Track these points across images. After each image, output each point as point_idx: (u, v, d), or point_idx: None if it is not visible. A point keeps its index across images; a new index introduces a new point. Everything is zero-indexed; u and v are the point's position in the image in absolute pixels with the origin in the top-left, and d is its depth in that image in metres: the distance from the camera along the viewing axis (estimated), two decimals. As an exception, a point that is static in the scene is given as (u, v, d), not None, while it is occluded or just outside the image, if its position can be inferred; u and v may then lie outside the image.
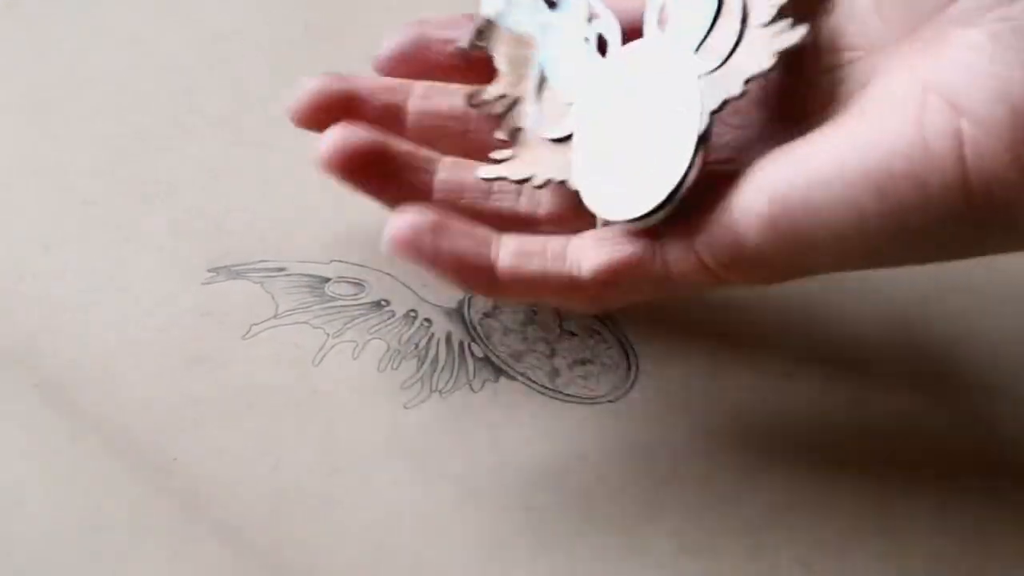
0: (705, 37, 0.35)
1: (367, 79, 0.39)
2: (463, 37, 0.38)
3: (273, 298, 0.39)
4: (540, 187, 0.36)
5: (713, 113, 0.34)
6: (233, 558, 0.34)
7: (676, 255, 0.33)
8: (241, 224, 0.41)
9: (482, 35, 0.38)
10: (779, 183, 0.32)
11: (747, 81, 0.34)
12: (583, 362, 0.38)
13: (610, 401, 0.37)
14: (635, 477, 0.36)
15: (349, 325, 0.39)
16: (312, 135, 0.44)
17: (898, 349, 0.39)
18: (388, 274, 0.40)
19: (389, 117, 0.38)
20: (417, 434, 0.36)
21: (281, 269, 0.40)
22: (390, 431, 0.36)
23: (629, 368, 0.38)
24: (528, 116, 0.37)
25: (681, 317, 0.39)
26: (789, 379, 0.38)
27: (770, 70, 0.34)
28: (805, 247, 0.32)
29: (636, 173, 0.34)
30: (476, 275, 0.34)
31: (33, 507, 0.34)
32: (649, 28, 0.36)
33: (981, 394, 0.38)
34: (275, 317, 0.39)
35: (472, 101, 0.38)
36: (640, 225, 0.34)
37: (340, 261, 0.40)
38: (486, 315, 0.39)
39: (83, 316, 0.39)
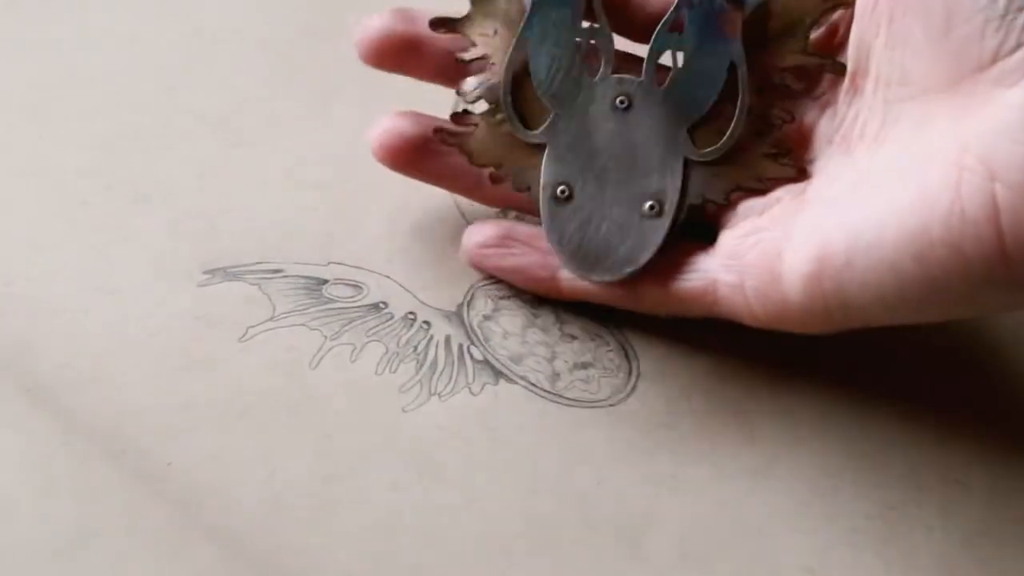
0: (702, 120, 0.36)
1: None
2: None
3: (270, 300, 0.39)
4: (496, 181, 0.37)
5: (692, 206, 0.36)
6: (228, 564, 0.34)
7: (728, 295, 0.36)
8: (237, 225, 0.41)
9: None
10: (824, 244, 0.33)
11: (732, 192, 0.36)
12: (584, 365, 0.38)
13: (611, 405, 0.37)
14: (636, 482, 0.36)
15: (347, 327, 0.39)
16: (308, 135, 0.44)
17: (904, 350, 0.39)
18: (386, 276, 0.40)
19: (448, 63, 0.39)
20: (416, 438, 0.36)
21: (278, 271, 0.40)
22: (388, 435, 0.36)
23: (630, 372, 0.38)
24: (501, 102, 0.37)
25: (682, 321, 0.39)
26: (792, 383, 0.38)
27: (758, 191, 0.36)
28: (847, 305, 0.34)
29: (602, 236, 0.37)
30: (539, 285, 0.39)
31: (25, 513, 0.34)
32: (647, 75, 0.37)
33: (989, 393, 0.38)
34: (272, 319, 0.39)
35: (439, 25, 0.37)
36: (594, 280, 0.38)
37: (338, 263, 0.40)
38: (486, 318, 0.39)
39: (76, 319, 0.39)
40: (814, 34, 0.36)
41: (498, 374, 0.38)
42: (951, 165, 0.32)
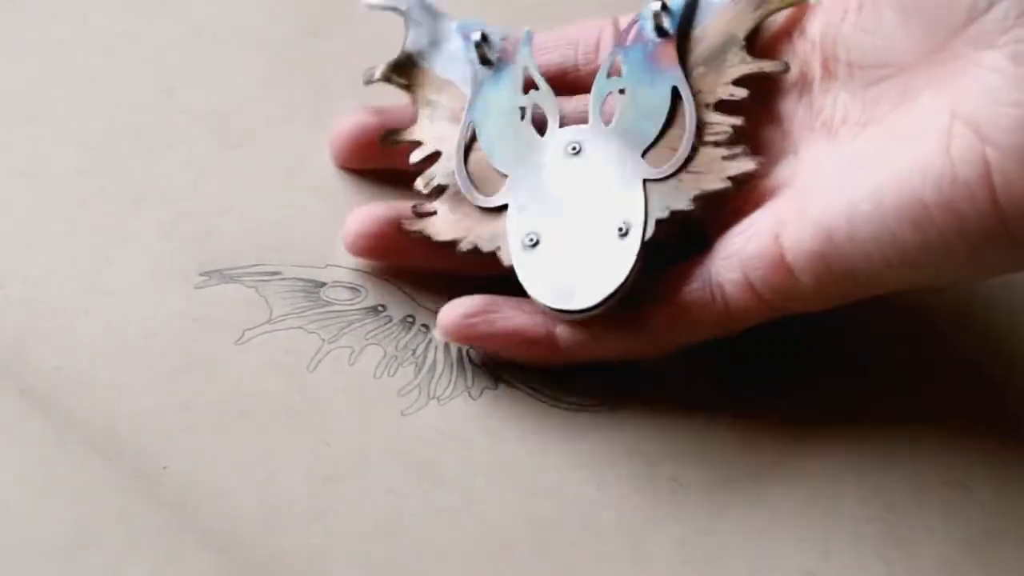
0: (654, 143, 0.37)
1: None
2: (374, 72, 0.38)
3: (267, 303, 0.39)
4: (464, 252, 0.37)
5: (659, 222, 0.36)
6: (225, 568, 0.34)
7: (735, 293, 0.36)
8: (234, 227, 0.41)
9: (400, 69, 0.38)
10: (823, 222, 0.34)
11: (696, 198, 0.36)
12: (584, 368, 0.39)
13: (611, 409, 0.38)
14: (636, 485, 0.36)
15: (345, 330, 0.39)
16: (307, 136, 0.44)
17: (905, 351, 0.39)
18: (385, 279, 0.40)
19: None
20: (415, 442, 0.37)
21: (275, 273, 0.40)
22: (387, 439, 0.37)
23: (631, 375, 0.38)
24: (457, 180, 0.37)
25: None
26: (793, 386, 0.38)
27: (722, 192, 0.36)
28: (855, 277, 0.34)
29: (576, 266, 0.36)
30: (536, 345, 0.37)
31: (20, 516, 0.34)
32: (593, 118, 0.38)
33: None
34: (269, 322, 0.39)
35: (388, 139, 0.38)
36: (569, 318, 0.37)
37: (336, 265, 0.40)
38: (485, 320, 0.40)
39: (71, 321, 0.39)
40: (773, 24, 0.38)
41: (498, 378, 0.38)
42: (940, 132, 0.33)
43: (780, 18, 0.39)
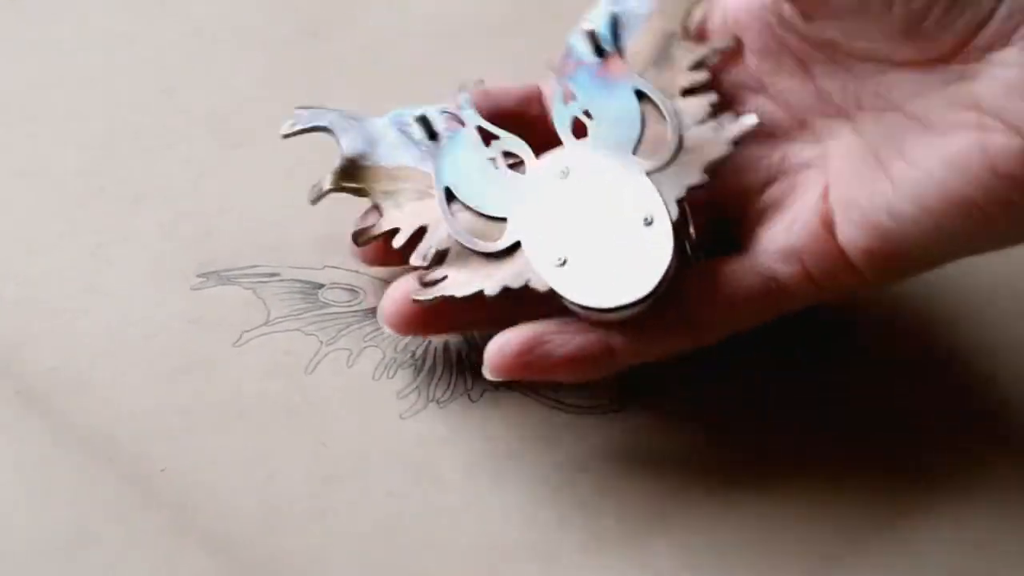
0: (639, 143, 0.38)
1: None
2: (324, 179, 0.38)
3: (265, 304, 0.40)
4: (494, 297, 0.37)
5: (679, 201, 0.37)
6: (224, 569, 0.34)
7: (792, 283, 0.36)
8: (232, 228, 0.41)
9: (347, 175, 0.38)
10: (872, 219, 0.35)
11: (706, 169, 0.37)
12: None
13: (614, 411, 0.38)
14: (638, 489, 0.36)
15: (343, 332, 0.39)
16: (307, 137, 0.44)
17: (915, 358, 0.40)
18: (383, 280, 0.40)
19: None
20: (414, 445, 0.37)
21: (273, 274, 0.40)
22: (386, 441, 0.37)
23: (634, 377, 0.38)
24: (456, 239, 0.37)
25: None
26: (801, 392, 0.39)
27: (728, 156, 0.37)
28: (916, 261, 0.36)
29: (616, 264, 0.36)
30: (597, 362, 0.36)
31: (16, 518, 0.35)
32: (567, 138, 0.38)
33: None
34: (267, 324, 0.39)
35: (360, 239, 0.38)
36: (628, 314, 0.36)
37: (334, 267, 0.41)
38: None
39: (69, 321, 0.39)
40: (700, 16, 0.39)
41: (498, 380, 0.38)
42: (971, 129, 0.33)
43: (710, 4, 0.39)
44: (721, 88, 0.39)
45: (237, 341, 0.39)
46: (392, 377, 0.38)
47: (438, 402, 0.38)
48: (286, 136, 0.39)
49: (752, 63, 0.38)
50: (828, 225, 0.36)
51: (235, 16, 0.49)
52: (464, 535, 0.35)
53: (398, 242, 0.37)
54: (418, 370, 0.39)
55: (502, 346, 0.36)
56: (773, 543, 0.35)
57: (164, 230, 0.41)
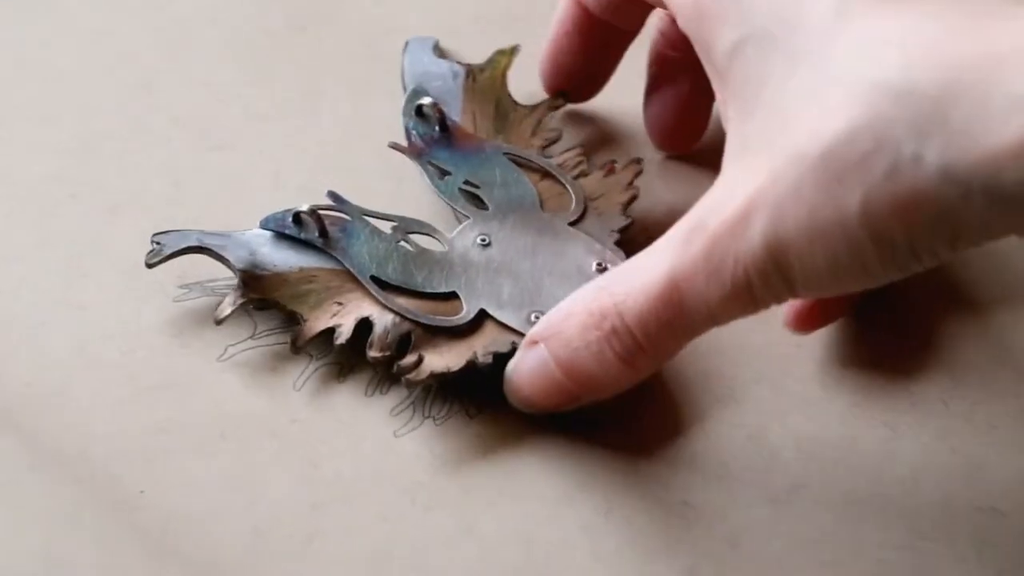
0: (541, 198, 0.42)
1: None
2: (224, 308, 0.39)
3: (251, 317, 0.40)
4: (485, 366, 0.38)
5: (617, 243, 0.41)
6: (207, 599, 0.35)
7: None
8: (214, 235, 0.42)
9: (249, 287, 0.39)
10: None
11: (624, 212, 0.42)
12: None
13: (618, 427, 0.38)
14: (644, 508, 0.37)
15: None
16: (294, 137, 0.45)
17: (937, 369, 0.40)
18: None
19: None
20: (408, 465, 0.37)
21: (259, 284, 0.41)
22: (379, 461, 0.37)
23: (640, 387, 0.39)
24: (415, 319, 0.39)
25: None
26: (814, 404, 0.39)
27: (635, 195, 0.42)
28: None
29: None
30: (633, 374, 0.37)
31: (-12, 544, 0.35)
32: (470, 211, 0.41)
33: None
34: (253, 337, 0.40)
35: (296, 349, 0.39)
36: None
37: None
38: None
39: (42, 335, 0.40)
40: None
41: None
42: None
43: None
44: None
45: (221, 356, 0.39)
46: (385, 393, 0.39)
47: (434, 419, 0.38)
48: (151, 266, 0.39)
49: None
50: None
51: (217, 9, 0.49)
52: (461, 561, 0.36)
53: (342, 339, 0.38)
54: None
55: (527, 396, 0.38)
56: (786, 568, 0.36)
57: (142, 239, 0.41)
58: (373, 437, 0.38)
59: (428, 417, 0.38)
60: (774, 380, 0.39)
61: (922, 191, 0.31)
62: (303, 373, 0.39)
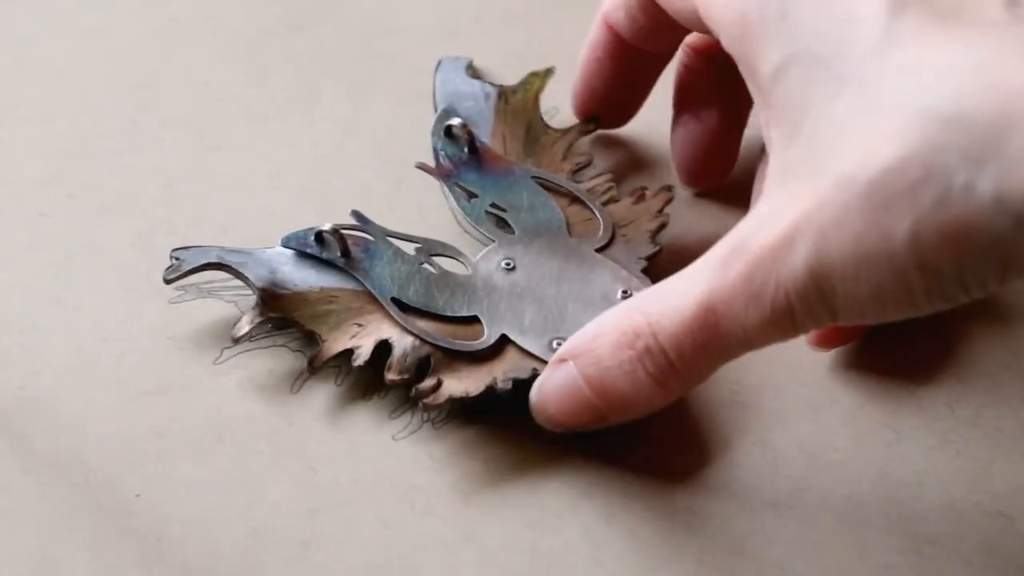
0: (568, 224, 0.42)
1: None
2: (242, 326, 0.39)
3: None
4: (505, 392, 0.38)
5: (644, 271, 0.41)
6: (203, 605, 0.35)
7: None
8: (210, 236, 0.42)
9: (268, 305, 0.39)
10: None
11: (653, 240, 0.42)
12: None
13: (622, 432, 0.38)
14: (649, 517, 0.37)
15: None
16: (291, 136, 0.45)
17: (944, 373, 0.40)
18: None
19: None
20: (408, 469, 0.37)
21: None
22: (378, 465, 0.37)
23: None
24: (434, 342, 0.39)
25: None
26: (820, 408, 0.39)
27: (665, 223, 0.42)
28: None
29: None
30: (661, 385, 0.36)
31: (-19, 549, 0.35)
32: (496, 235, 0.41)
33: None
34: (251, 339, 0.40)
35: (313, 370, 0.39)
36: None
37: (321, 277, 0.41)
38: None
39: (35, 338, 0.40)
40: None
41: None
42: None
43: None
44: None
45: (217, 359, 0.39)
46: (384, 396, 0.39)
47: (434, 423, 0.39)
48: (169, 282, 0.39)
49: None
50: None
51: (215, 8, 0.49)
52: (461, 568, 0.36)
53: (360, 361, 0.38)
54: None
55: (553, 416, 0.37)
56: (791, 571, 0.36)
57: (137, 240, 0.41)
58: (371, 441, 0.38)
59: (427, 420, 0.38)
60: (779, 384, 0.40)
61: (973, 221, 0.31)
62: (301, 375, 0.39)
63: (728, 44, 0.36)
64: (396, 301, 0.39)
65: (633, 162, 0.46)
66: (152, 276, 0.40)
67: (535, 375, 0.38)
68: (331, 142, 0.45)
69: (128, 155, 0.45)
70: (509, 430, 0.38)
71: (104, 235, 0.42)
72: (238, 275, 0.39)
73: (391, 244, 0.40)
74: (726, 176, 0.44)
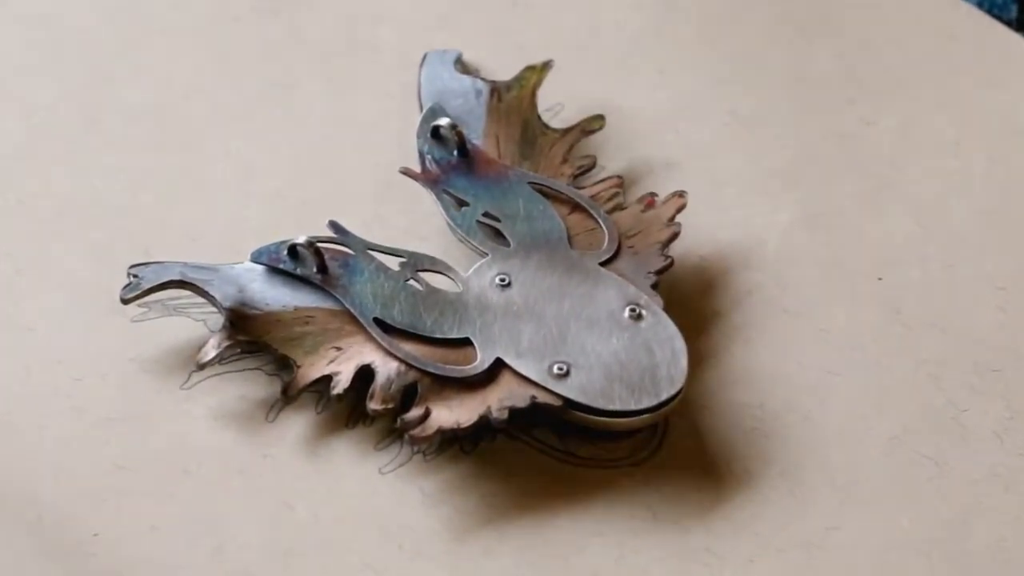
0: (569, 233, 0.42)
1: None
2: (207, 351, 0.39)
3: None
4: (500, 423, 0.38)
5: (654, 286, 0.40)
6: (169, 659, 0.35)
7: None
8: (175, 247, 0.42)
9: (237, 326, 0.39)
10: None
11: (663, 252, 0.41)
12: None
13: (633, 464, 0.38)
14: (663, 557, 0.37)
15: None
16: (263, 135, 0.45)
17: (986, 394, 0.40)
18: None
19: None
20: (394, 506, 0.37)
21: (226, 303, 0.41)
22: (361, 503, 0.37)
23: (656, 425, 0.39)
24: (423, 368, 0.39)
25: (718, 364, 0.40)
26: (851, 437, 0.39)
27: (677, 233, 0.41)
28: None
29: (626, 366, 0.39)
30: None
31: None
32: (489, 248, 0.41)
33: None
34: (220, 363, 0.40)
35: (288, 399, 0.39)
36: (659, 413, 0.38)
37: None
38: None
39: (-19, 362, 0.40)
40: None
41: (495, 428, 0.39)
42: None
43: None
44: None
45: (184, 383, 0.40)
46: (370, 425, 0.39)
47: (424, 454, 0.39)
48: (127, 301, 0.39)
49: None
50: None
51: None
52: (455, 615, 0.36)
53: (339, 388, 0.38)
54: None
55: None
56: None
57: (94, 251, 0.42)
58: (355, 475, 0.38)
59: (417, 452, 0.38)
60: (806, 410, 0.40)
61: None
62: (277, 403, 0.39)
63: None
64: (379, 322, 0.39)
65: (642, 165, 0.46)
66: (112, 291, 0.40)
67: (534, 403, 0.38)
68: (308, 143, 0.45)
69: (84, 156, 0.45)
70: (507, 462, 0.38)
71: (58, 246, 0.42)
72: (203, 294, 0.39)
73: (373, 258, 0.40)
74: None
